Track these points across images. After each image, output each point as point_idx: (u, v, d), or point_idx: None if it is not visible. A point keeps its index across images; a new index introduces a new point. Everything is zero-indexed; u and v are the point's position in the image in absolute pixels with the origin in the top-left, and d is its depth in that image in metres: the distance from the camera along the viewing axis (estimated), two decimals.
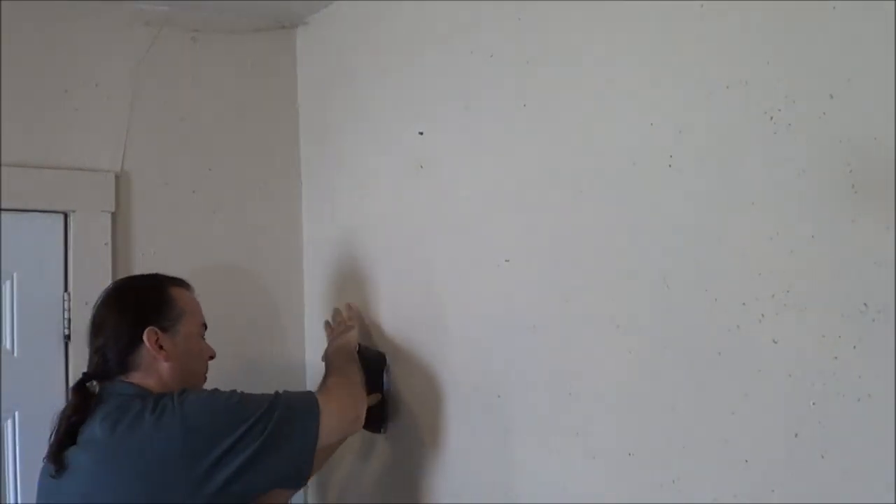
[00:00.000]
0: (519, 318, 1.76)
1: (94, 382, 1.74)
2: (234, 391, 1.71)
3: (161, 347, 1.73)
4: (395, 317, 2.10)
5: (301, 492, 2.38)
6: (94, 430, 1.65)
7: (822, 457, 1.25)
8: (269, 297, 2.41)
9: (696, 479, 1.43)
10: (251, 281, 2.40)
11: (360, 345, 2.10)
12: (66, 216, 2.21)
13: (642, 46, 1.52)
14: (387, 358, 2.10)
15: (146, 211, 2.29)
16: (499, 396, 1.80)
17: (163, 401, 1.64)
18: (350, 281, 2.25)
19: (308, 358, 2.42)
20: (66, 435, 1.67)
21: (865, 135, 1.20)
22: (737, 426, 1.36)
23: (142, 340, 1.72)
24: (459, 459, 1.90)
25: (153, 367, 1.73)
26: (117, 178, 2.26)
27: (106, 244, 2.21)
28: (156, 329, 1.74)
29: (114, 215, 2.24)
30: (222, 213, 2.38)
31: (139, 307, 1.77)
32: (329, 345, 2.10)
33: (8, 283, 2.14)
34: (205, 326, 1.87)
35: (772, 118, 1.31)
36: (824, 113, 1.25)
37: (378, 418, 2.08)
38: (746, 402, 1.35)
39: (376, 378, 2.07)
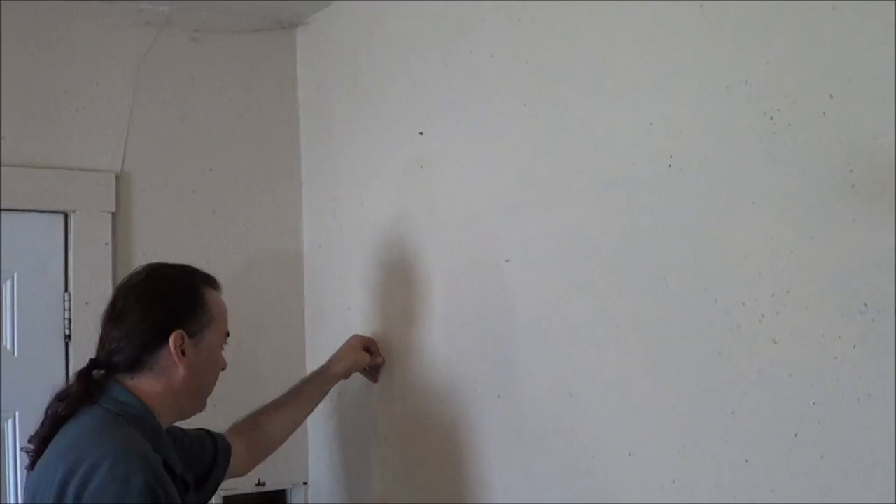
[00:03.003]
0: (519, 318, 1.76)
1: (101, 371, 1.63)
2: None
3: (183, 353, 1.62)
4: (395, 316, 2.10)
5: (301, 491, 2.38)
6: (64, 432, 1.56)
7: (822, 457, 1.25)
8: (269, 297, 2.41)
9: (696, 479, 1.43)
10: (251, 281, 2.40)
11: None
12: (66, 216, 2.21)
13: (642, 46, 1.52)
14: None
15: (146, 211, 2.29)
16: (499, 396, 1.80)
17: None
18: (350, 281, 2.25)
19: (308, 358, 2.42)
20: (52, 427, 1.58)
21: (865, 135, 1.20)
22: (737, 426, 1.36)
23: (166, 342, 1.61)
24: (459, 460, 1.90)
25: (168, 371, 1.62)
26: (117, 178, 2.25)
27: (106, 244, 2.21)
28: (183, 333, 1.62)
29: (114, 215, 2.24)
30: (222, 213, 2.38)
31: (171, 305, 1.65)
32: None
33: (8, 283, 2.14)
34: (227, 335, 1.75)
35: (772, 118, 1.31)
36: (824, 113, 1.25)
37: None
38: (746, 402, 1.35)
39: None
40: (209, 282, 1.72)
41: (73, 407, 1.58)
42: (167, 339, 1.61)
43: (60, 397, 1.61)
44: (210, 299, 1.70)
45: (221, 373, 1.74)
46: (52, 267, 2.18)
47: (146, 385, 1.62)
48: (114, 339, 1.62)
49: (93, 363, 1.64)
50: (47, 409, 1.61)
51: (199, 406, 1.73)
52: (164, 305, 1.65)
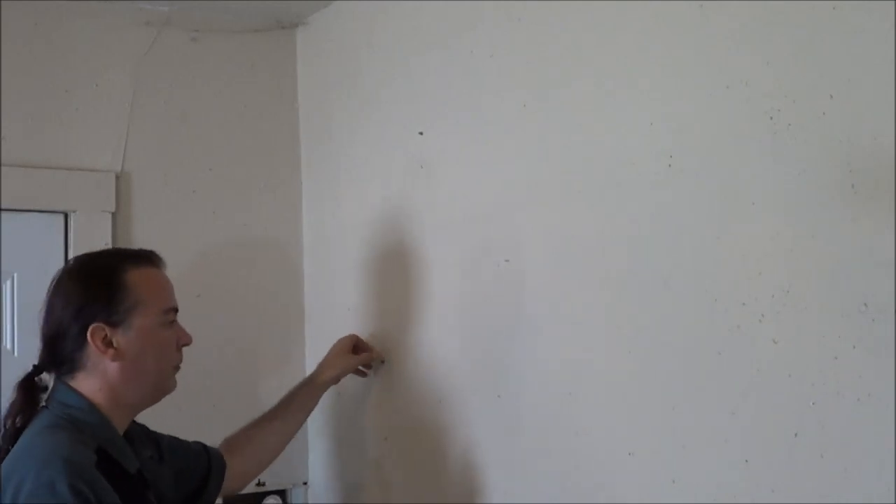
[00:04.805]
0: (519, 318, 1.76)
1: (46, 376, 1.59)
2: None
3: (110, 345, 1.55)
4: (395, 316, 2.10)
5: (301, 491, 2.38)
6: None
7: (822, 457, 1.25)
8: (269, 297, 2.41)
9: (696, 479, 1.43)
10: (251, 281, 2.40)
11: None
12: (66, 216, 2.21)
13: (642, 46, 1.52)
14: None
15: (146, 211, 2.29)
16: (499, 396, 1.80)
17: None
18: (350, 281, 2.25)
19: (308, 358, 2.42)
20: (11, 441, 1.53)
21: (865, 135, 1.20)
22: (737, 426, 1.36)
23: (87, 338, 1.55)
24: (459, 460, 1.90)
25: (100, 366, 1.56)
26: (117, 178, 2.25)
27: (106, 244, 2.21)
28: (103, 325, 1.55)
29: (114, 215, 2.24)
30: (222, 213, 2.38)
31: (86, 298, 1.57)
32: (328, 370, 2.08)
33: (8, 283, 2.14)
34: (174, 311, 1.65)
35: (772, 118, 1.31)
36: (824, 113, 1.25)
37: None
38: (746, 402, 1.35)
39: None
40: (138, 260, 1.63)
41: (24, 418, 1.56)
42: (87, 335, 1.55)
43: (9, 411, 1.58)
44: (132, 281, 1.59)
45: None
46: (52, 267, 2.16)
47: (86, 384, 1.57)
48: (45, 342, 1.59)
49: (36, 369, 1.61)
50: (4, 423, 1.58)
51: (159, 390, 1.65)
52: (77, 301, 1.57)
